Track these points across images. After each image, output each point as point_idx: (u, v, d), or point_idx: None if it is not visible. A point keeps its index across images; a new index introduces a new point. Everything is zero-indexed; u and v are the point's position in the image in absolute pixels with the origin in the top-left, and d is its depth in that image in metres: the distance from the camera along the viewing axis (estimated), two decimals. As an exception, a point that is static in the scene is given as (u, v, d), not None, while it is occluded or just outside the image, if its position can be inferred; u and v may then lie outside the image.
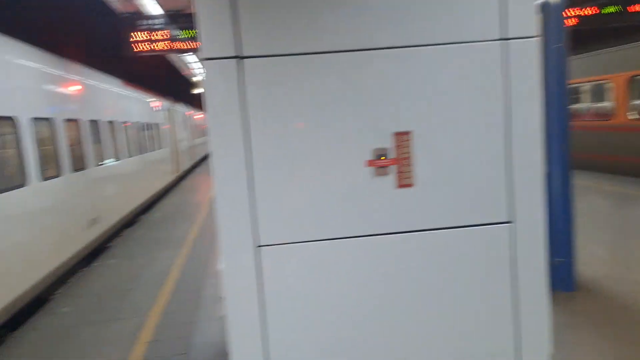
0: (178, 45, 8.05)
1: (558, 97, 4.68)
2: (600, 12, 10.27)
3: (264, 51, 2.42)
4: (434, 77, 2.50)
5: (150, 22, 7.94)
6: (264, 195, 2.47)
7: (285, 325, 2.54)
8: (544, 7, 4.61)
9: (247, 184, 2.45)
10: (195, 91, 26.10)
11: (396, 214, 2.56)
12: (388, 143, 2.52)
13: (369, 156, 2.52)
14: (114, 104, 11.04)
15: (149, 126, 14.28)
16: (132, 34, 7.88)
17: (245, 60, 2.40)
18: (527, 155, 2.57)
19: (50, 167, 6.89)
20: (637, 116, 11.07)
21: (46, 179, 6.59)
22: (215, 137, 2.43)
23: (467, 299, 2.62)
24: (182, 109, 22.03)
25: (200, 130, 28.64)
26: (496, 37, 2.50)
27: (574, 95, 12.84)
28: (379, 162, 2.52)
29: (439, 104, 2.51)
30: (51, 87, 7.44)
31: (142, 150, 12.92)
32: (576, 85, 12.78)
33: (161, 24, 7.96)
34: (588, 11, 10.34)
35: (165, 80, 30.26)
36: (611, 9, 10.33)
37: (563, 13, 4.76)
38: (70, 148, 7.66)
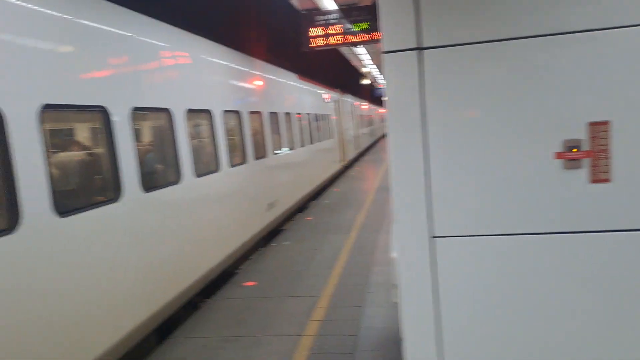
0: (350, 38, 8.29)
1: None
2: None
3: (444, 41, 2.39)
4: (638, 62, 2.23)
5: (325, 17, 8.31)
6: (440, 186, 2.46)
7: (460, 317, 2.51)
8: None
9: (424, 174, 2.46)
10: (363, 82, 26.62)
11: (589, 211, 2.35)
12: (582, 134, 2.32)
13: (558, 148, 2.35)
14: (289, 97, 11.85)
15: (319, 117, 15.04)
16: (310, 29, 8.32)
17: (425, 51, 2.41)
18: None
19: (236, 155, 7.67)
20: None
21: (233, 165, 7.36)
22: (394, 128, 2.48)
23: None
24: (349, 100, 22.72)
25: (366, 120, 29.21)
26: None
27: None
28: (570, 154, 2.34)
29: None
30: (237, 82, 8.25)
31: (312, 140, 13.67)
32: None
33: (335, 18, 8.27)
34: None
35: (335, 71, 31.44)
36: None
37: None
38: (253, 138, 8.44)
